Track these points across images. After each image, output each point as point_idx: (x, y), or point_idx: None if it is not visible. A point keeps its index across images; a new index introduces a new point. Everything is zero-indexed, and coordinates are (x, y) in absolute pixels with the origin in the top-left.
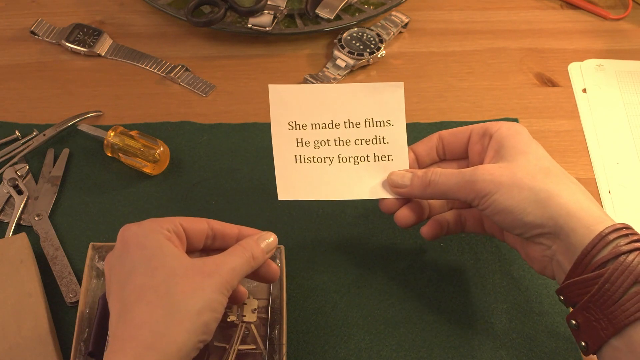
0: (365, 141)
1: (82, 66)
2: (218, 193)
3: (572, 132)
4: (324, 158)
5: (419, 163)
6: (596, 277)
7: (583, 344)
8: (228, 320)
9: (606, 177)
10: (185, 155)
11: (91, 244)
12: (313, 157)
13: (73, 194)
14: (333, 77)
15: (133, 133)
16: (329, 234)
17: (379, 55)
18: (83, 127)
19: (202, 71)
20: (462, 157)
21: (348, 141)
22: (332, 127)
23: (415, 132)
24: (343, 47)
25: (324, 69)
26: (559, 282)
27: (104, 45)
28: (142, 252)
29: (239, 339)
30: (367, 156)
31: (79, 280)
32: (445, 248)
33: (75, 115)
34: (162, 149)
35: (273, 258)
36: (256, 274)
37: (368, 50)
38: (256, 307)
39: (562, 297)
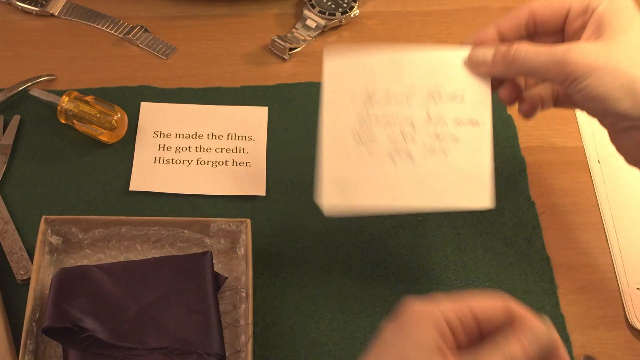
0: (225, 150)
1: (34, 27)
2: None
3: None
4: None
5: (502, 40)
6: None
7: None
8: None
9: (595, 145)
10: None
11: (44, 217)
12: (172, 159)
13: (24, 164)
14: (303, 38)
15: (88, 98)
16: (298, 207)
17: (352, 15)
18: (35, 92)
19: (162, 32)
20: (558, 31)
21: (209, 149)
22: (195, 137)
23: None
24: (314, 6)
25: (293, 30)
26: None
27: (58, 4)
28: (401, 352)
29: None
30: (226, 161)
31: (31, 256)
32: (423, 221)
33: (26, 80)
34: (119, 115)
35: (238, 232)
36: None
37: (340, 9)
38: None
39: None
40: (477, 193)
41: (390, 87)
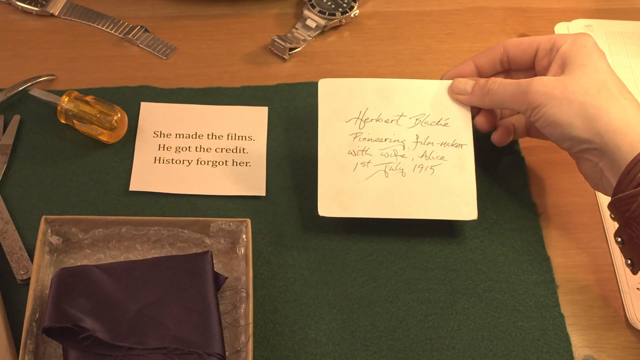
0: (225, 150)
1: (34, 26)
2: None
3: None
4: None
5: (480, 75)
6: (637, 195)
7: (629, 261)
8: None
9: None
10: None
11: (44, 217)
12: (172, 159)
13: (24, 164)
14: (303, 38)
15: (88, 98)
16: (298, 207)
17: (352, 15)
18: (35, 92)
19: (162, 32)
20: (529, 68)
21: (209, 149)
22: (195, 137)
23: None
24: (314, 6)
25: (293, 30)
26: None
27: (58, 4)
28: None
29: None
30: (226, 161)
31: (31, 256)
32: (423, 223)
33: (26, 80)
34: (119, 115)
35: (239, 232)
36: None
37: (340, 9)
38: None
39: (612, 216)
40: (464, 206)
41: (380, 109)
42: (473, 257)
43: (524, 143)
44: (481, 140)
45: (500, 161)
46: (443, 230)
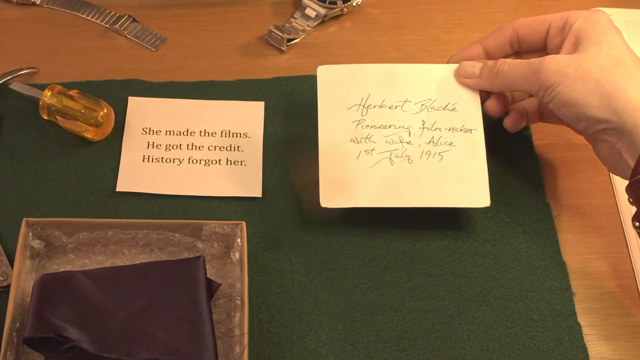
0: (219, 148)
1: (15, 16)
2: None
3: None
4: (174, 159)
5: (489, 58)
6: None
7: None
8: None
9: None
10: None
11: (25, 219)
12: (162, 158)
13: (4, 163)
14: (301, 28)
15: (72, 93)
16: (296, 209)
17: (354, 4)
18: (15, 86)
19: (151, 22)
20: (541, 48)
21: (201, 146)
22: (187, 134)
23: None
24: None
25: (291, 20)
26: None
27: None
28: None
29: None
30: (219, 160)
31: (11, 262)
32: (428, 227)
33: (6, 73)
34: (105, 111)
35: (233, 236)
36: None
37: None
38: None
39: (630, 199)
40: (475, 193)
41: (384, 95)
42: (484, 262)
43: (539, 140)
44: (491, 137)
45: (513, 159)
46: (452, 233)
